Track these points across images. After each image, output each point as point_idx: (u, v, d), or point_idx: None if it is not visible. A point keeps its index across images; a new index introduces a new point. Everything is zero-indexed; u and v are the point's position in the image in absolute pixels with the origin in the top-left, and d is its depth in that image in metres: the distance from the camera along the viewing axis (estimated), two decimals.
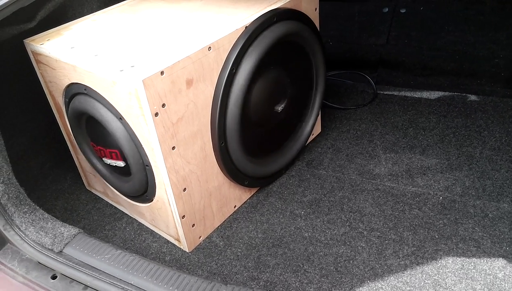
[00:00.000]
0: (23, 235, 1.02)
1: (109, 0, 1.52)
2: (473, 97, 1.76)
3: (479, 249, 1.15)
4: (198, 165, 1.17)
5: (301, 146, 1.50)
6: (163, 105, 1.01)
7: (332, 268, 1.15)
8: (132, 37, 1.16)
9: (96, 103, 1.12)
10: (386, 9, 2.30)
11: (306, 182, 1.45)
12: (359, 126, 1.68)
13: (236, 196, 1.35)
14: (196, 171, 1.17)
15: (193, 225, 1.22)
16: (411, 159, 1.49)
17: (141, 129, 1.05)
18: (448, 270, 1.11)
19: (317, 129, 1.65)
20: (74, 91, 1.18)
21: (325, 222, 1.29)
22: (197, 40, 1.08)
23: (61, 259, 0.98)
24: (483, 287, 1.06)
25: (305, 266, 1.16)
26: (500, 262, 1.11)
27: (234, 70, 1.14)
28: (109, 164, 1.24)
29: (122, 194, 1.33)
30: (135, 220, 1.37)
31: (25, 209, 1.08)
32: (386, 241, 1.20)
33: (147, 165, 1.12)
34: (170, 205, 1.15)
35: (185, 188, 1.15)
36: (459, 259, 1.13)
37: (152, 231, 1.32)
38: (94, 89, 1.09)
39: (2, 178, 1.07)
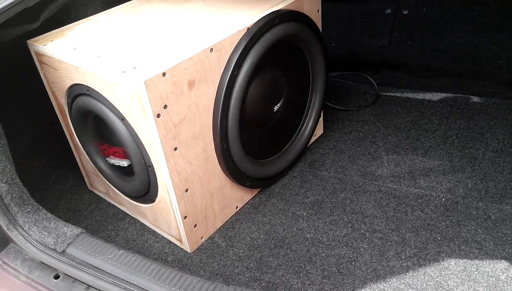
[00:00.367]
0: (26, 235, 1.03)
1: (112, 1, 1.53)
2: (475, 98, 1.75)
3: (482, 251, 1.15)
4: (200, 165, 1.17)
5: (302, 147, 1.50)
6: (165, 106, 1.01)
7: (334, 269, 1.15)
8: (134, 38, 1.16)
9: (99, 104, 1.12)
10: (389, 11, 2.30)
11: (308, 183, 1.45)
12: (361, 128, 1.68)
13: (238, 197, 1.35)
14: (198, 171, 1.17)
15: (195, 225, 1.22)
16: (413, 160, 1.49)
17: (143, 130, 1.05)
18: (451, 272, 1.11)
19: (319, 130, 1.65)
20: (77, 92, 1.18)
21: (327, 223, 1.29)
22: (199, 42, 1.08)
23: (63, 259, 0.98)
24: (485, 289, 1.05)
25: (307, 267, 1.16)
26: (503, 264, 1.11)
27: (236, 72, 1.14)
28: (112, 164, 1.24)
29: (124, 194, 1.33)
30: (138, 220, 1.38)
31: (28, 209, 1.09)
32: (388, 243, 1.20)
33: (149, 166, 1.12)
34: (172, 205, 1.16)
35: (187, 188, 1.15)
36: (461, 261, 1.13)
37: (154, 231, 1.33)
38: (97, 90, 1.10)
39: (5, 178, 1.08)
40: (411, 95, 1.83)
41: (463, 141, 1.55)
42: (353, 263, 1.16)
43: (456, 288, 1.06)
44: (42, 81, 1.31)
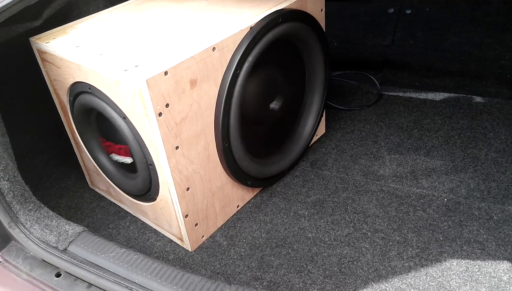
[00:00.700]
0: (28, 233, 1.03)
1: None
2: (478, 99, 1.75)
3: (484, 251, 1.14)
4: (202, 164, 1.17)
5: (303, 147, 1.50)
6: (167, 105, 1.01)
7: (336, 269, 1.15)
8: (136, 37, 1.16)
9: (101, 102, 1.12)
10: (392, 10, 2.30)
11: (310, 183, 1.44)
12: (363, 127, 1.67)
13: (239, 196, 1.35)
14: (199, 170, 1.17)
15: (196, 224, 1.22)
16: (415, 160, 1.49)
17: (145, 129, 1.05)
18: (453, 272, 1.10)
19: (321, 130, 1.65)
20: (79, 90, 1.18)
21: (329, 223, 1.29)
22: (202, 40, 1.08)
23: (65, 257, 0.98)
24: (487, 290, 1.05)
25: (308, 267, 1.16)
26: (505, 265, 1.10)
27: (238, 71, 1.14)
28: (116, 161, 1.24)
29: (125, 192, 1.33)
30: (139, 218, 1.38)
31: (30, 207, 1.09)
32: (390, 243, 1.20)
33: (150, 164, 1.12)
34: (173, 204, 1.16)
35: (188, 187, 1.15)
36: (463, 262, 1.12)
37: (156, 230, 1.33)
38: (99, 88, 1.09)
39: (7, 176, 1.08)
40: (413, 95, 1.83)
41: (465, 141, 1.54)
42: (355, 262, 1.16)
43: (458, 289, 1.06)
44: (44, 79, 1.30)
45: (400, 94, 1.84)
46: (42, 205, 1.11)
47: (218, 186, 1.25)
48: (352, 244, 1.21)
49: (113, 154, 1.24)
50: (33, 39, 1.23)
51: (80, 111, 1.24)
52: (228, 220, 1.34)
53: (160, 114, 1.00)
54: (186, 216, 1.18)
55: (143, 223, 1.36)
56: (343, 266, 1.15)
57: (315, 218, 1.31)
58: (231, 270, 1.18)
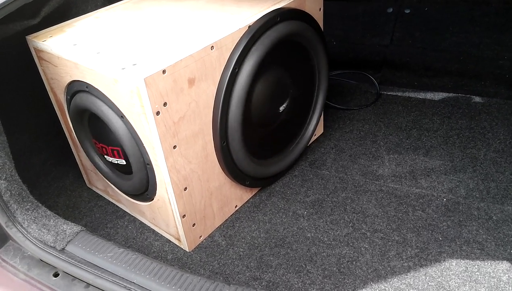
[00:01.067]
0: (25, 232, 1.02)
1: None
2: (477, 98, 1.75)
3: (483, 251, 1.14)
4: (199, 164, 1.16)
5: (303, 147, 1.49)
6: (165, 104, 1.01)
7: (335, 269, 1.14)
8: (134, 35, 1.15)
9: (98, 101, 1.11)
10: (391, 9, 2.29)
11: (309, 182, 1.44)
12: (362, 127, 1.67)
13: (237, 196, 1.35)
14: (197, 170, 1.16)
15: (194, 224, 1.22)
16: (414, 160, 1.48)
17: (142, 127, 1.04)
18: (452, 272, 1.10)
19: (320, 129, 1.64)
20: (76, 88, 1.17)
21: (328, 223, 1.28)
22: (200, 39, 1.07)
23: (63, 256, 0.97)
24: (487, 290, 1.05)
25: (307, 267, 1.15)
26: (504, 265, 1.10)
27: (236, 70, 1.13)
28: (110, 162, 1.24)
29: (122, 192, 1.32)
30: (137, 218, 1.37)
31: (28, 206, 1.08)
32: (390, 243, 1.20)
33: (148, 164, 1.11)
34: (170, 204, 1.15)
35: (186, 187, 1.14)
36: (463, 262, 1.12)
37: (154, 229, 1.32)
38: (96, 87, 1.09)
39: (5, 175, 1.07)
40: (412, 94, 1.82)
41: (464, 141, 1.54)
42: (354, 262, 1.15)
43: (458, 289, 1.06)
44: (41, 78, 1.30)
45: (399, 94, 1.84)
46: (40, 204, 1.10)
47: (216, 186, 1.25)
48: (351, 244, 1.21)
49: (107, 155, 1.23)
50: (30, 38, 1.22)
51: (77, 110, 1.23)
52: (226, 219, 1.33)
53: (158, 113, 1.00)
54: (184, 216, 1.17)
55: (141, 222, 1.35)
56: (342, 266, 1.15)
57: (314, 217, 1.30)
58: (230, 270, 1.17)
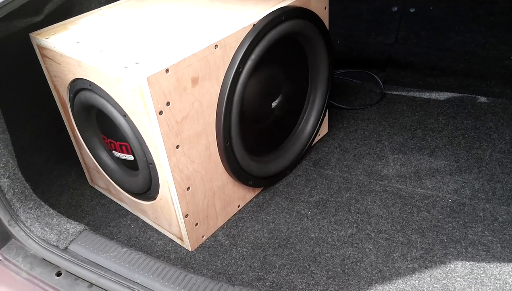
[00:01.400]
0: (28, 231, 1.02)
1: None
2: (482, 99, 1.73)
3: (489, 253, 1.13)
4: (202, 164, 1.16)
5: (303, 146, 1.48)
6: (168, 103, 1.00)
7: (339, 269, 1.13)
8: (138, 33, 1.14)
9: (101, 100, 1.11)
10: (395, 8, 2.28)
11: (312, 182, 1.43)
12: (366, 127, 1.66)
13: (240, 196, 1.34)
14: (200, 170, 1.16)
15: (196, 224, 1.21)
16: (419, 160, 1.47)
17: (145, 127, 1.03)
18: (457, 274, 1.09)
19: (324, 129, 1.63)
20: (79, 86, 1.17)
21: (332, 223, 1.27)
22: (204, 38, 1.06)
23: (66, 256, 0.97)
24: None
25: (311, 267, 1.15)
26: (510, 267, 1.09)
27: (240, 69, 1.12)
28: (118, 157, 1.23)
29: (125, 191, 1.32)
30: (140, 217, 1.36)
31: (31, 205, 1.07)
32: (394, 244, 1.19)
33: (150, 163, 1.11)
34: (173, 203, 1.14)
35: (188, 186, 1.14)
36: (468, 264, 1.11)
37: (157, 229, 1.31)
38: (99, 85, 1.08)
39: (7, 173, 1.06)
40: (417, 94, 1.81)
41: (469, 141, 1.53)
42: (358, 263, 1.14)
43: None
44: (44, 75, 1.29)
45: (404, 93, 1.82)
46: (43, 203, 1.10)
47: (219, 186, 1.24)
48: (355, 245, 1.20)
49: (115, 150, 1.23)
50: (33, 35, 1.21)
51: (81, 108, 1.23)
52: (229, 219, 1.33)
53: (160, 112, 0.99)
54: (186, 215, 1.17)
55: (144, 221, 1.35)
56: (346, 267, 1.14)
57: (318, 218, 1.30)
58: (233, 270, 1.16)
